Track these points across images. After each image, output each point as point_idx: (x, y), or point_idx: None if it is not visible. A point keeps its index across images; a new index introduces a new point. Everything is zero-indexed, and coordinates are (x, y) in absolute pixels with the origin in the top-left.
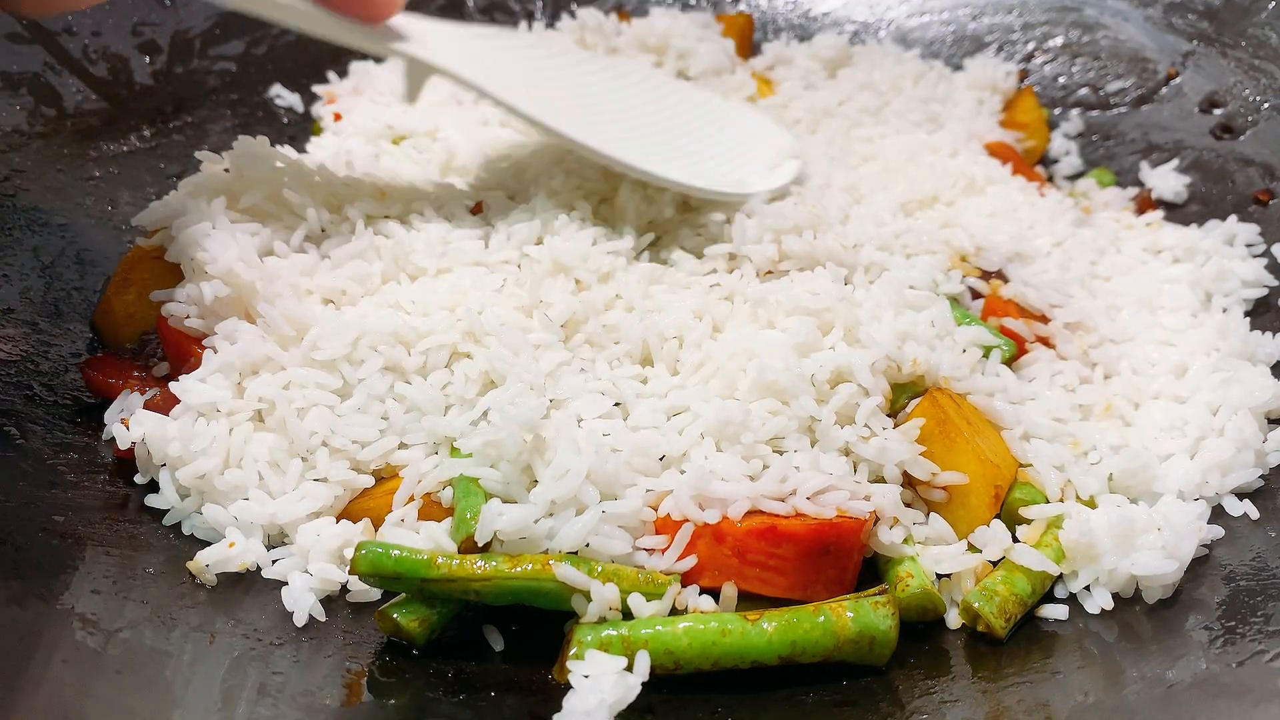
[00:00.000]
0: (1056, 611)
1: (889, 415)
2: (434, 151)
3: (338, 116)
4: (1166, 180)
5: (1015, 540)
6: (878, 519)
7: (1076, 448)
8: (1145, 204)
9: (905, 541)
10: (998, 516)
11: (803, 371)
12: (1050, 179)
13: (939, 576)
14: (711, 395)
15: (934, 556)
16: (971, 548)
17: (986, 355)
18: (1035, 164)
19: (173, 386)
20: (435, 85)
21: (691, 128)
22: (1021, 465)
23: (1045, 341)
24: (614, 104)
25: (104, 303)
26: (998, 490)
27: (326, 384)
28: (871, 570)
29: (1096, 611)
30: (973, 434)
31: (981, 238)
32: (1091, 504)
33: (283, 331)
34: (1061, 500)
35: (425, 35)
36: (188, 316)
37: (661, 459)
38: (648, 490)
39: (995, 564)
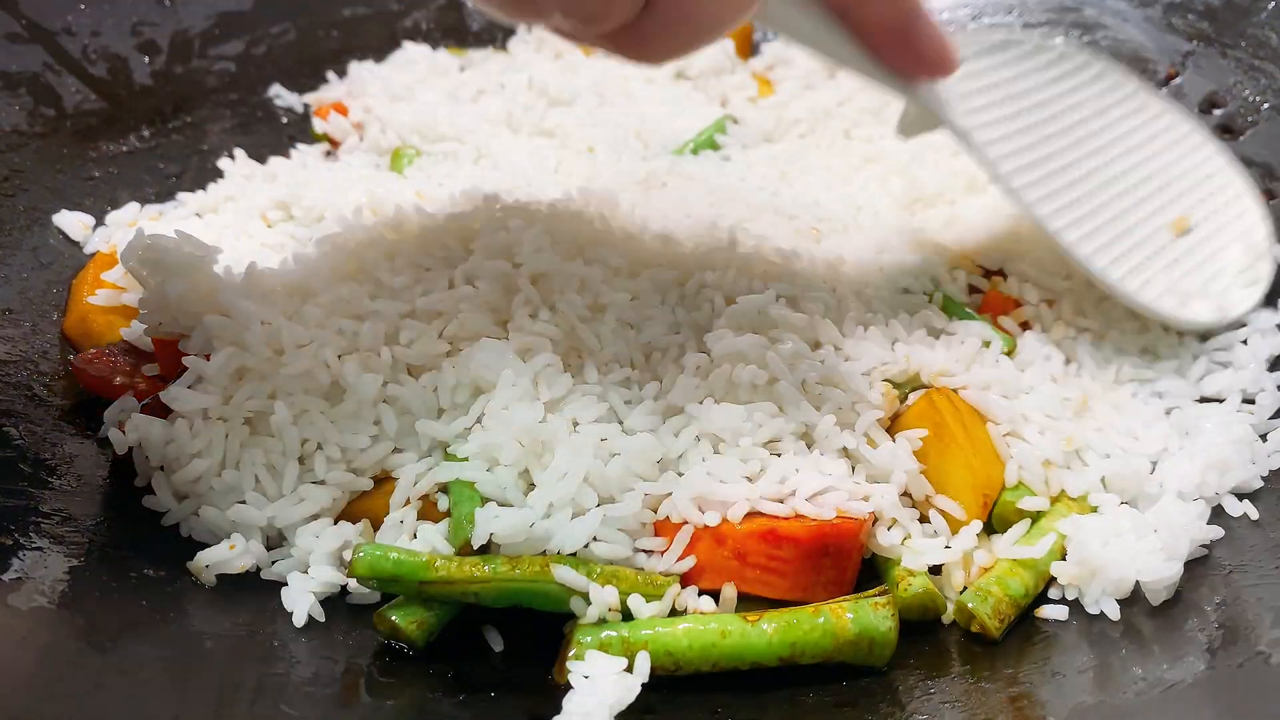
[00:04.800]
0: (1056, 612)
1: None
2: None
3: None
4: None
5: (998, 535)
6: (876, 519)
7: (1070, 445)
8: None
9: (904, 542)
10: (989, 519)
11: (793, 379)
12: None
13: (929, 570)
14: (704, 397)
15: (916, 548)
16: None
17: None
18: None
19: (163, 396)
20: (432, 85)
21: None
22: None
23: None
24: (1088, 167)
25: (73, 314)
26: (986, 499)
27: (314, 389)
28: (871, 571)
29: (1096, 612)
30: (966, 439)
31: (984, 236)
32: (1084, 502)
33: (259, 352)
34: (1054, 499)
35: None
36: (160, 324)
37: (659, 462)
38: (646, 494)
39: (988, 569)
